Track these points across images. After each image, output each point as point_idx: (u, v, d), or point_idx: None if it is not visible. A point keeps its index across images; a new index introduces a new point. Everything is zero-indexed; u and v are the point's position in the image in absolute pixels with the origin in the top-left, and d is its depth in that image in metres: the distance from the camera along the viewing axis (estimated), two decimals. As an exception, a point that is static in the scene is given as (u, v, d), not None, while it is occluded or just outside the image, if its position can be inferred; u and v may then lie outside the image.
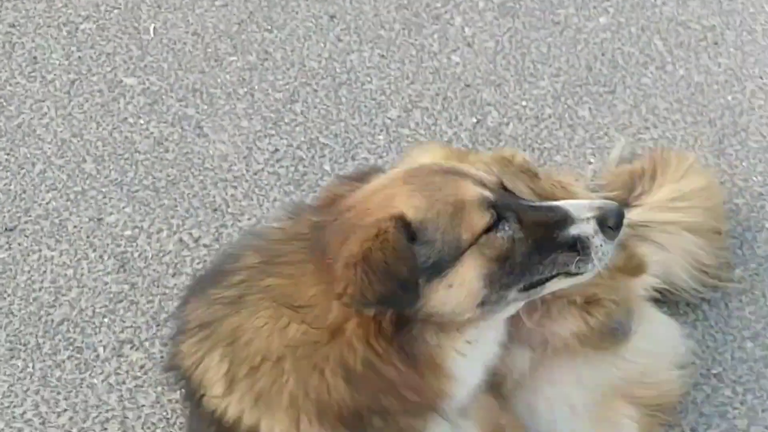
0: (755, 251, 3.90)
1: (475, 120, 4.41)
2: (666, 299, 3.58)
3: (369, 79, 4.57)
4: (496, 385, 3.00)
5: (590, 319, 3.10)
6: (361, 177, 2.74)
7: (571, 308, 3.09)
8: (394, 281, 2.42)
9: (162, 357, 3.25)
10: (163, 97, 4.43)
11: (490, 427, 2.94)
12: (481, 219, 2.53)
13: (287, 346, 2.54)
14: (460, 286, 2.52)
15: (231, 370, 2.61)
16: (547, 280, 2.66)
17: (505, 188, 2.70)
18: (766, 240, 3.95)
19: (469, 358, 2.65)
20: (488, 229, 2.54)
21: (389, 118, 4.39)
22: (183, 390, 2.82)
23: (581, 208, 2.65)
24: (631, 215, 3.52)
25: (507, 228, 2.56)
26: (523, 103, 4.50)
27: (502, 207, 2.57)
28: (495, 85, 4.58)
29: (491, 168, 2.96)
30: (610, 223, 2.63)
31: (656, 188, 3.73)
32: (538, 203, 2.71)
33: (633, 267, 3.20)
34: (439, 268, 2.50)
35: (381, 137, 4.30)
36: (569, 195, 3.12)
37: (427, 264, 2.48)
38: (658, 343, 3.34)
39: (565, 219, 2.62)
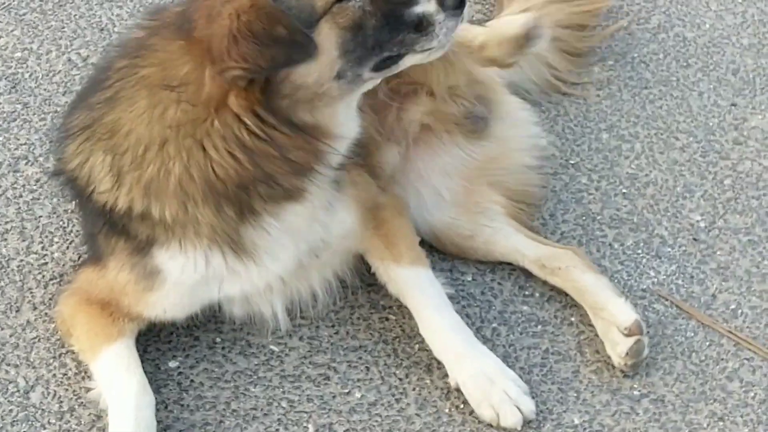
0: (612, 48, 3.95)
1: None
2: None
3: None
4: (373, 173, 3.07)
5: (441, 105, 3.14)
6: None
7: (420, 93, 3.13)
8: (279, 41, 2.41)
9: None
10: None
11: (368, 204, 2.98)
12: None
13: (169, 127, 2.54)
14: (318, 55, 2.51)
15: (115, 163, 2.62)
16: (399, 57, 2.67)
17: None
18: (622, 38, 4.00)
19: (341, 117, 2.69)
20: None
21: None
22: (72, 191, 2.83)
23: None
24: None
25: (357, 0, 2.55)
26: None
27: None
28: None
29: None
30: (449, 4, 2.62)
31: (511, 3, 3.70)
32: None
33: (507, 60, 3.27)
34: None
35: None
36: None
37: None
38: (516, 128, 3.40)
39: None
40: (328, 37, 2.53)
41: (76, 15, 3.95)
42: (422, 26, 2.61)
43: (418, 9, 2.60)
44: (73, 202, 2.98)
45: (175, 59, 2.53)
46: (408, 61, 2.68)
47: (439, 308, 2.97)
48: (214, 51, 2.43)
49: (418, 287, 2.99)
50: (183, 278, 2.76)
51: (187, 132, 2.54)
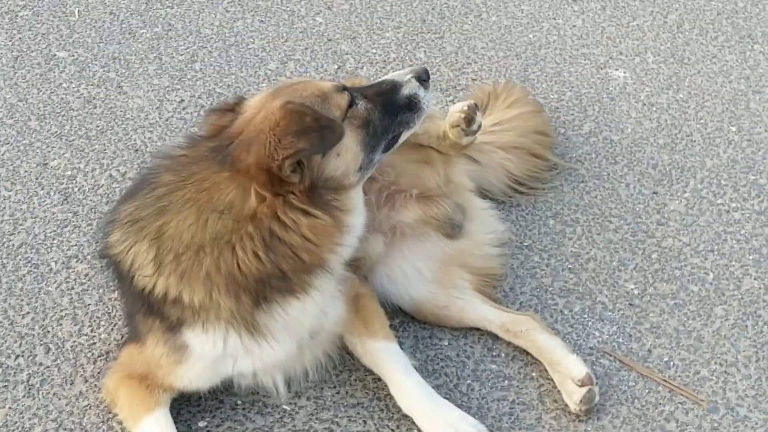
0: (554, 151, 3.94)
1: (336, 66, 4.41)
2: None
3: (252, 40, 4.54)
4: (356, 268, 3.05)
5: (428, 210, 3.17)
6: (231, 107, 2.75)
7: (410, 201, 3.17)
8: (310, 128, 2.51)
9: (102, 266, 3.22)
10: (90, 65, 4.35)
11: (351, 294, 2.98)
12: (342, 98, 2.67)
13: (209, 236, 2.56)
14: (345, 153, 2.63)
15: (158, 256, 2.61)
16: (400, 134, 2.85)
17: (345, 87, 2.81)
18: (562, 143, 4.02)
19: (355, 213, 2.74)
20: (350, 105, 2.68)
21: (270, 70, 4.37)
22: (114, 272, 2.81)
23: (402, 75, 2.89)
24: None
25: (360, 101, 2.72)
26: (373, 50, 4.50)
27: (351, 92, 2.72)
28: (351, 38, 4.57)
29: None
30: (423, 76, 2.89)
31: (485, 118, 3.77)
32: (371, 84, 2.93)
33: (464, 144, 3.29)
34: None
35: (264, 85, 4.26)
36: None
37: None
38: (481, 225, 3.41)
39: (395, 85, 2.84)
40: (349, 137, 2.64)
41: (115, 139, 3.97)
42: (412, 104, 2.84)
43: (405, 92, 2.84)
44: (115, 283, 2.95)
45: (222, 188, 2.55)
46: (403, 137, 2.87)
47: (406, 372, 2.94)
48: (261, 163, 2.49)
49: (388, 356, 2.97)
50: (204, 353, 2.73)
51: (224, 238, 2.56)
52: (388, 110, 2.79)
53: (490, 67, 4.42)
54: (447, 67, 4.41)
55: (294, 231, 2.56)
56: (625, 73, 4.43)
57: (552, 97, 4.27)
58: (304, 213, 2.56)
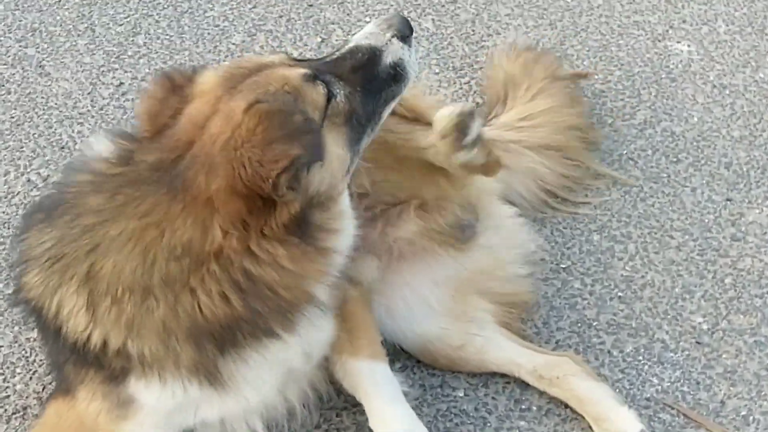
0: (598, 146, 3.98)
1: (319, 39, 4.44)
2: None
3: (211, 5, 4.57)
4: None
5: (431, 220, 3.19)
6: (175, 85, 2.68)
7: (409, 210, 3.18)
8: (297, 131, 2.49)
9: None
10: (1, 38, 4.38)
11: (338, 301, 2.96)
12: (318, 95, 2.62)
13: (160, 278, 2.53)
14: (330, 160, 2.60)
15: (92, 301, 2.59)
16: (383, 113, 2.83)
17: (295, 59, 2.78)
18: (608, 135, 4.05)
19: (344, 226, 2.73)
20: (329, 100, 2.63)
21: (233, 44, 4.40)
22: (35, 321, 2.81)
23: (377, 35, 2.82)
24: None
25: (337, 89, 2.67)
26: (367, 19, 4.52)
27: (321, 74, 2.67)
28: (338, 2, 4.60)
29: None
30: (405, 31, 2.83)
31: (506, 112, 3.80)
32: (337, 53, 2.82)
33: (490, 165, 3.24)
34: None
35: (227, 62, 4.28)
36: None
37: None
38: (505, 237, 3.43)
39: (373, 53, 2.79)
40: (333, 140, 2.63)
41: (34, 134, 3.99)
42: (397, 73, 2.80)
43: (388, 60, 2.80)
44: (36, 330, 2.96)
45: (175, 224, 2.51)
46: (390, 108, 2.86)
47: (392, 402, 2.94)
48: (236, 188, 2.45)
49: (371, 380, 2.97)
50: (159, 406, 2.74)
51: (180, 281, 2.53)
52: (371, 88, 2.76)
53: (516, 40, 4.43)
54: (461, 39, 4.44)
55: (270, 265, 2.54)
56: (689, 46, 4.46)
57: (596, 77, 4.30)
58: (281, 242, 2.56)
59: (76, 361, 2.73)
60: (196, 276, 2.53)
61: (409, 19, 2.87)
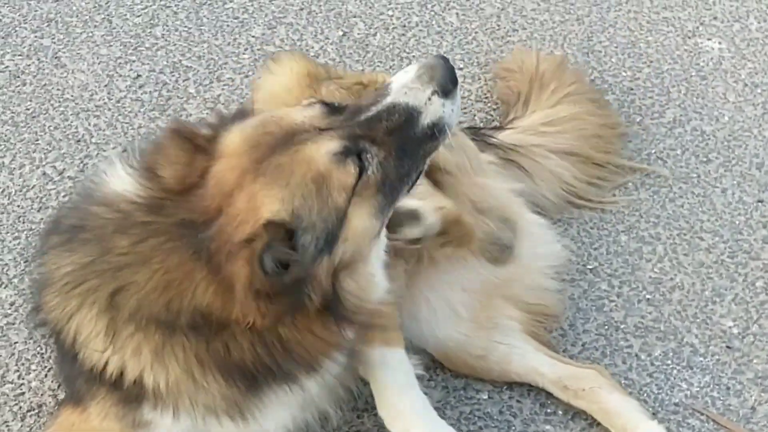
0: (626, 146, 4.01)
1: (341, 32, 4.47)
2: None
3: (230, -3, 4.61)
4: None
5: (476, 226, 3.19)
6: (202, 143, 2.61)
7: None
8: (293, 286, 2.45)
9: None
10: (17, 29, 4.42)
11: None
12: (347, 175, 2.52)
13: (185, 323, 2.54)
14: (355, 235, 2.56)
15: (111, 328, 2.60)
16: (419, 173, 2.72)
17: (332, 106, 2.66)
18: (637, 134, 4.08)
19: (375, 286, 2.73)
20: (360, 175, 2.53)
21: (253, 36, 4.43)
22: (54, 342, 2.83)
23: (417, 92, 2.62)
24: (501, 136, 3.65)
25: (370, 158, 2.56)
26: (390, 12, 4.56)
27: (353, 140, 2.55)
28: (360, -5, 4.63)
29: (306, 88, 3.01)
30: (448, 87, 2.64)
31: (528, 114, 3.84)
32: (375, 108, 2.62)
33: (461, 237, 3.20)
34: (332, 237, 2.52)
35: (246, 56, 4.34)
36: None
37: (319, 245, 2.50)
38: (535, 246, 3.45)
39: (412, 114, 2.61)
40: (359, 217, 2.56)
41: (50, 126, 4.04)
42: (435, 131, 2.63)
43: (427, 120, 2.62)
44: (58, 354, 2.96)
45: (200, 287, 2.50)
46: (431, 159, 2.75)
47: (402, 388, 2.94)
48: (252, 283, 2.44)
49: (383, 365, 2.96)
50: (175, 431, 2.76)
51: (206, 331, 2.54)
52: (406, 151, 2.62)
53: (542, 35, 4.48)
54: (486, 34, 4.48)
55: (301, 332, 2.56)
56: (720, 43, 4.49)
57: (624, 75, 4.33)
58: (312, 317, 2.56)
59: (88, 379, 2.74)
60: (222, 332, 2.54)
61: (454, 66, 2.68)
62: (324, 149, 2.51)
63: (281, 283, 2.44)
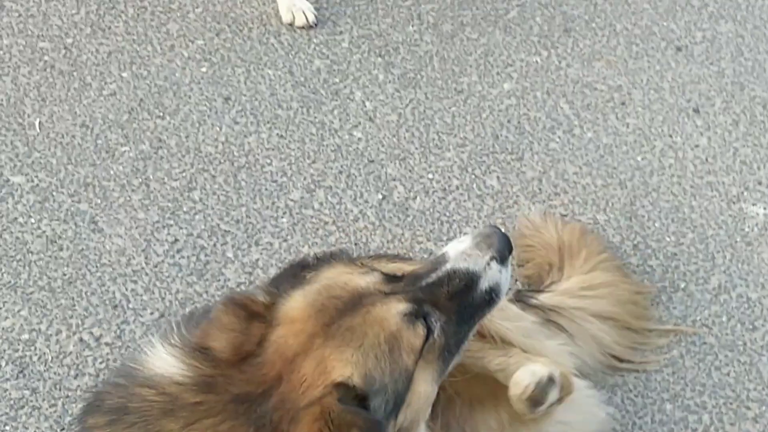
0: (671, 312, 4.07)
1: (380, 196, 4.56)
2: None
3: (269, 160, 4.69)
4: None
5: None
6: (259, 310, 2.68)
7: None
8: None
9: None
10: (54, 193, 4.51)
11: None
12: (417, 336, 2.63)
13: None
14: (418, 400, 2.63)
15: None
16: (468, 337, 2.84)
17: (390, 275, 2.77)
18: (681, 300, 4.13)
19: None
20: (427, 338, 2.64)
21: (292, 200, 4.52)
22: None
23: (476, 258, 2.79)
24: (542, 298, 3.73)
25: (434, 321, 2.68)
26: (430, 175, 4.65)
27: (418, 304, 2.67)
28: (399, 159, 4.73)
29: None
30: (505, 253, 2.82)
31: (565, 279, 3.92)
32: (435, 274, 2.76)
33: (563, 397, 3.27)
34: (400, 401, 2.59)
35: (284, 220, 4.42)
36: None
37: (388, 408, 2.56)
38: (580, 413, 3.47)
39: (472, 279, 2.77)
40: (423, 378, 2.64)
41: (87, 292, 4.12)
42: (492, 296, 2.81)
43: (485, 285, 2.79)
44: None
45: None
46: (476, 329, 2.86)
47: None
48: None
49: None
50: None
51: None
52: (464, 315, 2.77)
53: (584, 199, 4.56)
54: (527, 197, 4.56)
55: None
56: (765, 209, 4.56)
57: (668, 240, 4.40)
58: None
59: None
60: None
61: (508, 237, 2.85)
62: (394, 309, 2.62)
63: None
